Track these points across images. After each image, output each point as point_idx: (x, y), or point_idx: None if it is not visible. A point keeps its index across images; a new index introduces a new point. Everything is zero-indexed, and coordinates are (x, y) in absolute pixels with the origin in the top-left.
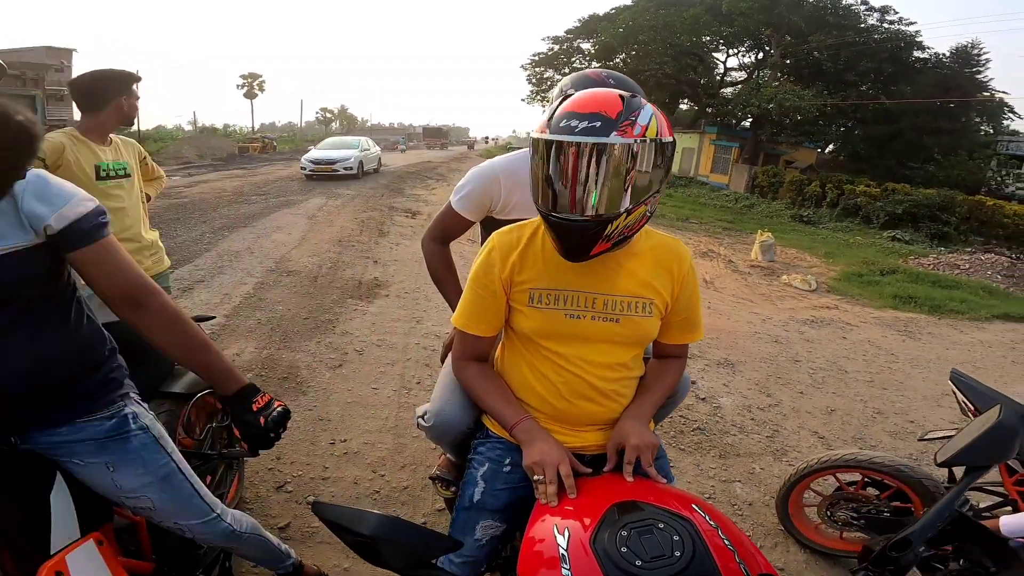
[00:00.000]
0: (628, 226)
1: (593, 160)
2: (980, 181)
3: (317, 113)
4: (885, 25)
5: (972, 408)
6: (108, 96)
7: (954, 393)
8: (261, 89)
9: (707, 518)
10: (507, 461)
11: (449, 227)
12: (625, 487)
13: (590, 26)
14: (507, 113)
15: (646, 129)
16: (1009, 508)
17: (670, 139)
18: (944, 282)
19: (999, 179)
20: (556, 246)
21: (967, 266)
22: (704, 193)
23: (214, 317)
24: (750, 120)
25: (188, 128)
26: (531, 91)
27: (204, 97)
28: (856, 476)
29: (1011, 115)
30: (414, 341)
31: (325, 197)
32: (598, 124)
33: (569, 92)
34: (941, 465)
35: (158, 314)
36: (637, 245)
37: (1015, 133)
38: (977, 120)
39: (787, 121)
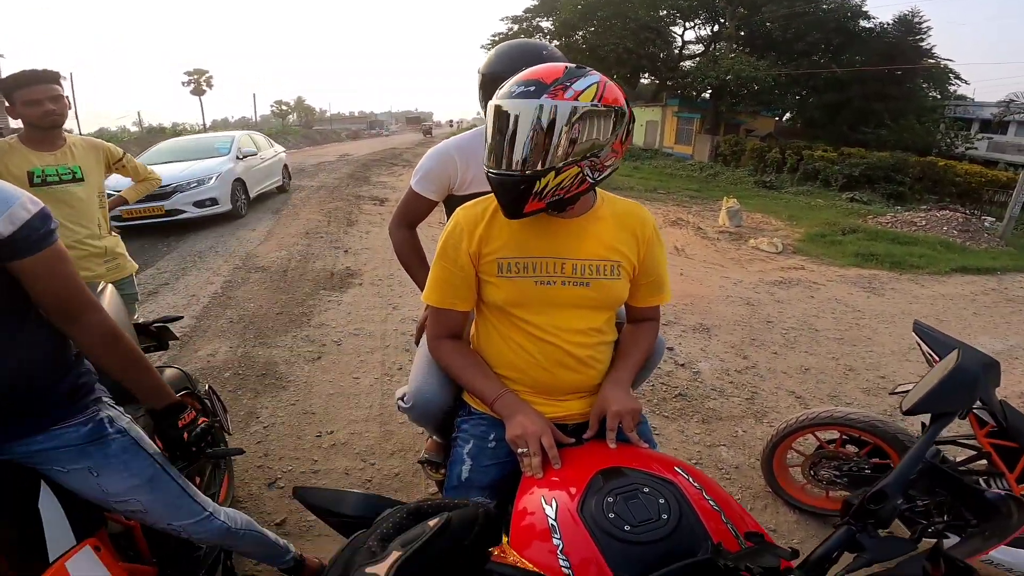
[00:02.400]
0: (561, 186)
1: (521, 118)
2: (930, 144)
3: (272, 106)
4: None
5: (935, 358)
6: (13, 99)
7: (919, 345)
8: (209, 85)
9: (691, 480)
10: (491, 437)
11: (413, 210)
12: (608, 454)
13: (549, 3)
14: (471, 95)
15: (579, 95)
16: (984, 461)
17: (613, 107)
18: (902, 239)
19: (948, 141)
20: (498, 203)
21: (923, 223)
22: (670, 164)
23: (181, 317)
24: (709, 92)
25: (134, 129)
26: None
27: (147, 96)
28: (835, 434)
29: (956, 80)
30: (392, 328)
31: (288, 191)
32: (532, 88)
33: (511, 68)
34: (906, 414)
35: (93, 329)
36: (600, 211)
37: (961, 98)
38: (924, 86)
39: (744, 91)
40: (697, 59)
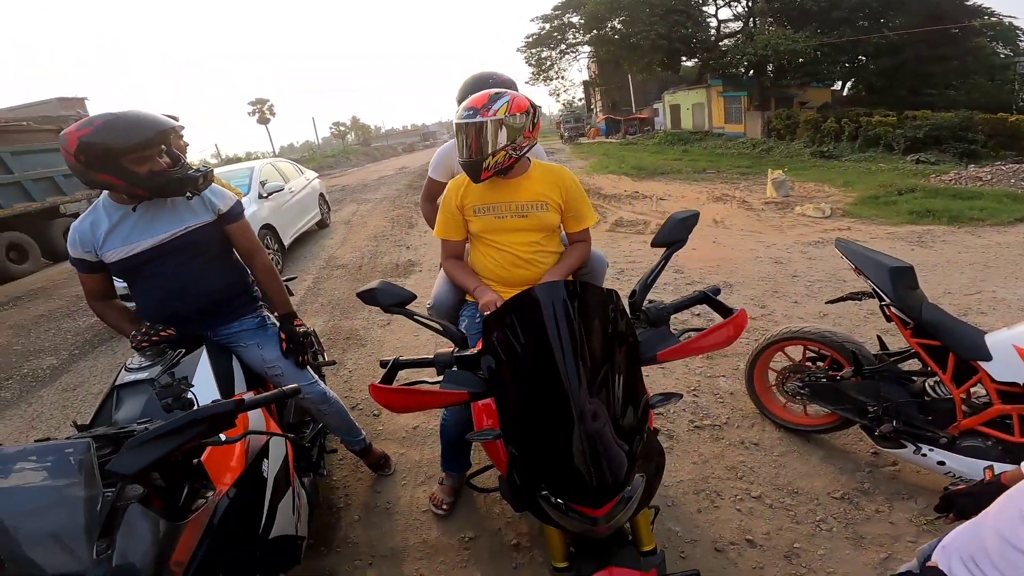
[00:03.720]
0: (497, 163)
1: (470, 131)
2: (1008, 102)
3: (331, 128)
4: None
5: (855, 267)
6: None
7: (844, 258)
8: (272, 113)
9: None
10: (479, 315)
11: (432, 189)
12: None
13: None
14: None
15: (497, 112)
16: (915, 360)
17: (518, 114)
18: (965, 194)
19: None
20: (466, 174)
21: (989, 177)
22: (720, 144)
23: (295, 277)
24: (751, 69)
25: (213, 161)
26: (532, 73)
27: (220, 127)
28: (801, 350)
29: None
30: None
31: (356, 204)
32: (472, 112)
33: (469, 93)
34: (653, 246)
35: (262, 261)
36: (533, 172)
37: None
38: (992, 44)
39: (787, 65)
40: (737, 37)
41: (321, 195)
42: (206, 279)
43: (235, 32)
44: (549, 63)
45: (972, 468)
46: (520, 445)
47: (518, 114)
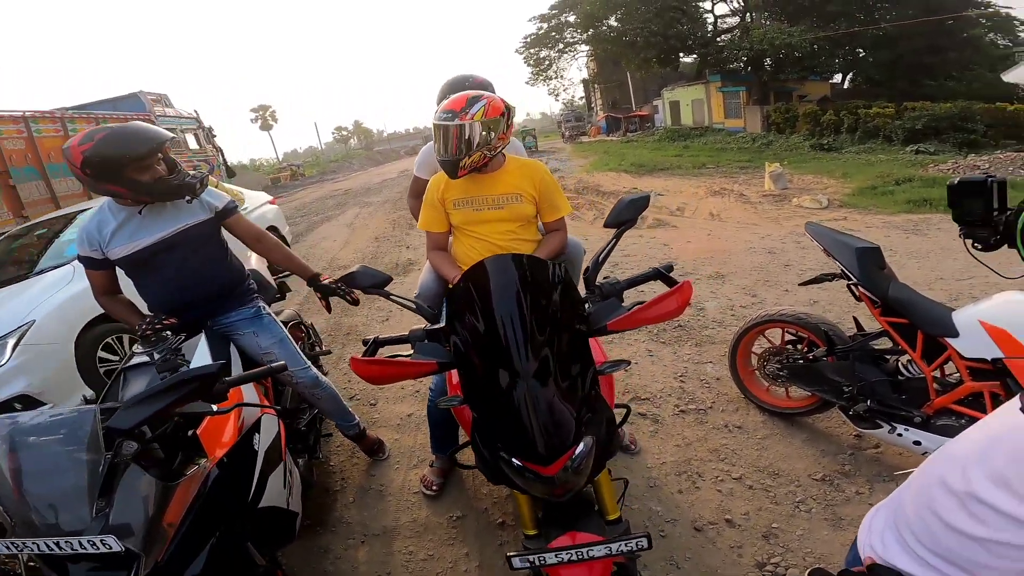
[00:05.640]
0: (473, 162)
1: (448, 132)
2: (1009, 92)
3: (333, 133)
4: None
5: (824, 249)
6: None
7: (813, 241)
8: (274, 119)
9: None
10: None
11: (418, 186)
12: None
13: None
14: (514, 100)
15: (474, 116)
16: (886, 339)
17: (492, 118)
18: None
19: None
20: (444, 171)
21: (988, 167)
22: (720, 139)
23: (288, 274)
24: (748, 63)
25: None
26: (531, 73)
27: (222, 134)
28: (779, 333)
29: None
30: None
31: (359, 207)
32: (450, 115)
33: (448, 95)
34: (605, 226)
35: (268, 243)
36: (509, 166)
37: None
38: (989, 35)
39: (784, 59)
40: (734, 32)
41: (274, 226)
42: (206, 272)
43: (236, 37)
44: (548, 62)
45: None
46: (479, 408)
47: (494, 117)
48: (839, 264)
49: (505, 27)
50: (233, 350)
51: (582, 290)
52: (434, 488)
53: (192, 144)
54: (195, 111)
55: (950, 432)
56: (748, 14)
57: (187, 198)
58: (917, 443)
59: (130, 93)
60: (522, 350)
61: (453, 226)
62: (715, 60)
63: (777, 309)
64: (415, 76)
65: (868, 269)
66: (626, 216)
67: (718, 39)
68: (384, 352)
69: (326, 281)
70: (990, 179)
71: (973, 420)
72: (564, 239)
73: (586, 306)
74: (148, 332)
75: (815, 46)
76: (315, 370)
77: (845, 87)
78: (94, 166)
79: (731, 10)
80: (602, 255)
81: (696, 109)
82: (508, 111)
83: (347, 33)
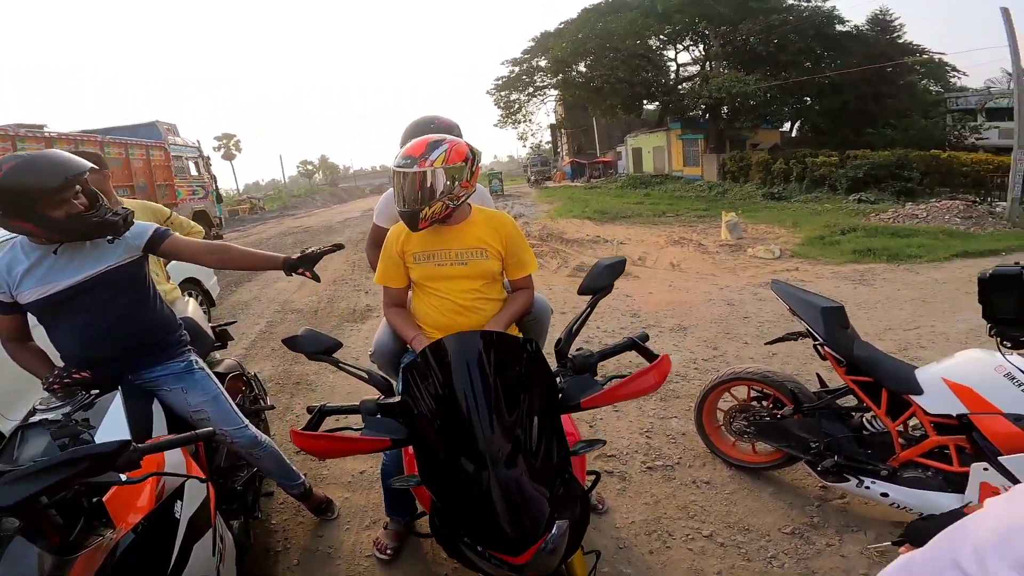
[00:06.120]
0: (435, 213)
1: (407, 180)
2: (941, 138)
3: (298, 166)
4: (803, 3)
5: (790, 308)
6: None
7: (778, 300)
8: (238, 149)
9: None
10: None
11: (376, 236)
12: None
13: (543, 43)
14: (483, 142)
15: (434, 162)
16: (851, 396)
17: (455, 164)
18: (903, 232)
19: (957, 133)
20: (404, 223)
21: (925, 215)
22: (679, 187)
23: (235, 321)
24: (707, 111)
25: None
26: (501, 115)
27: None
28: (745, 390)
29: (955, 73)
30: None
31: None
32: (409, 161)
33: (411, 138)
34: (580, 293)
35: (218, 251)
36: (474, 218)
37: (963, 89)
38: (924, 82)
39: (740, 107)
40: (694, 80)
41: (194, 278)
42: (128, 320)
43: (205, 62)
44: (518, 106)
45: (915, 498)
46: (439, 492)
47: (456, 163)
48: (804, 323)
49: (478, 68)
50: (157, 407)
51: (552, 359)
52: (388, 552)
53: (192, 171)
54: (197, 141)
55: (917, 484)
56: (708, 63)
57: (108, 238)
58: (885, 495)
59: (148, 122)
60: (488, 431)
61: (413, 281)
62: (676, 107)
63: (743, 367)
64: (385, 113)
65: (832, 329)
66: (602, 282)
67: (679, 87)
68: (330, 422)
69: (297, 257)
70: None
71: (939, 471)
72: (531, 298)
73: (558, 380)
74: (57, 386)
75: (768, 94)
76: (253, 430)
77: (793, 135)
78: (1, 198)
79: (692, 59)
80: (575, 326)
81: (657, 156)
82: (473, 156)
83: (319, 66)
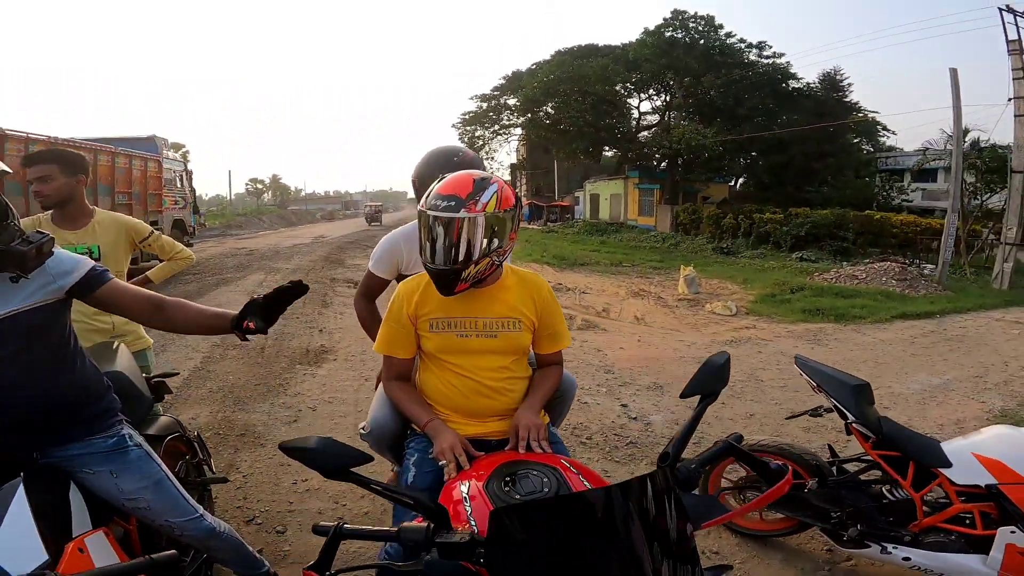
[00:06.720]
0: (480, 271)
1: (449, 228)
2: (870, 197)
3: (247, 184)
4: (763, 60)
5: (813, 384)
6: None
7: (801, 375)
8: (187, 159)
9: (571, 468)
10: (431, 449)
11: (371, 286)
12: (513, 455)
13: (514, 82)
14: None
15: (486, 206)
16: (879, 472)
17: (508, 208)
18: (846, 292)
19: (885, 193)
20: (434, 284)
21: (864, 276)
22: (634, 237)
23: (177, 372)
24: (665, 162)
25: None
26: None
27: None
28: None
29: (885, 132)
30: (364, 396)
31: (264, 272)
32: (453, 203)
33: (437, 172)
34: (681, 396)
35: (167, 307)
36: (506, 280)
37: (891, 149)
38: (856, 140)
39: (696, 159)
40: (654, 129)
41: None
42: (36, 381)
43: (161, 68)
44: (482, 143)
45: (938, 560)
46: None
47: (508, 209)
48: (832, 400)
49: (443, 102)
50: (76, 494)
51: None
52: None
53: (177, 184)
54: (182, 156)
55: (941, 547)
56: (668, 112)
57: (12, 275)
58: (907, 559)
59: (148, 136)
60: None
61: (423, 352)
62: (636, 155)
63: (756, 439)
64: (343, 139)
65: (862, 406)
66: (713, 386)
67: (640, 135)
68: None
69: (246, 304)
70: None
71: (962, 535)
72: (560, 375)
73: None
74: None
75: (722, 148)
76: (210, 519)
77: (738, 190)
78: None
79: (653, 108)
80: (684, 435)
81: (614, 204)
82: (518, 203)
83: (278, 85)
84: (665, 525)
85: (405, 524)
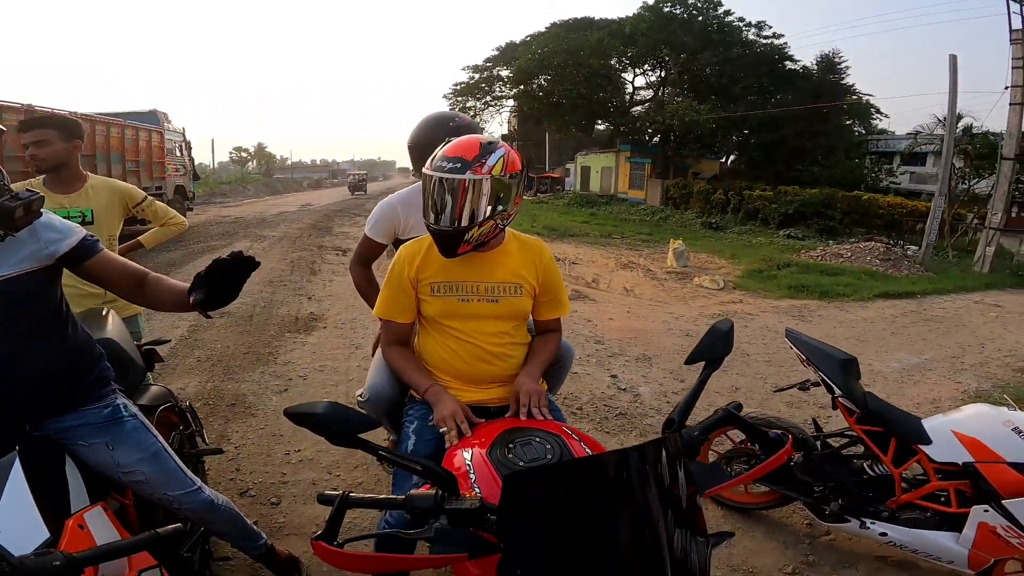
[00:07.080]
0: (483, 233)
1: (453, 189)
2: (859, 178)
3: (231, 152)
4: (762, 40)
5: (804, 357)
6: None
7: (792, 348)
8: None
9: (573, 435)
10: (430, 417)
11: (367, 252)
12: (515, 422)
13: (508, 54)
14: None
15: (492, 168)
16: (861, 447)
17: (514, 173)
18: (831, 270)
19: (874, 175)
20: (437, 246)
21: (849, 254)
22: (624, 209)
23: (169, 340)
24: (658, 137)
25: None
26: None
27: None
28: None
29: (878, 115)
30: (355, 364)
31: (250, 240)
32: (459, 165)
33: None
34: (686, 363)
35: (149, 282)
36: (509, 245)
37: (883, 132)
38: (848, 122)
39: (688, 135)
40: (647, 104)
41: None
42: (27, 352)
43: (141, 30)
44: (472, 113)
45: (912, 536)
46: None
47: (515, 173)
48: (820, 374)
49: (435, 72)
50: (71, 467)
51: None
52: None
53: (178, 153)
54: (183, 127)
55: (916, 524)
56: (663, 88)
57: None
58: (883, 534)
59: (149, 110)
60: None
61: (423, 316)
62: (628, 130)
63: (744, 412)
64: (330, 109)
65: (849, 381)
66: (718, 352)
67: (632, 110)
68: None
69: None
70: None
71: (937, 512)
72: (559, 342)
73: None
74: None
75: (715, 125)
76: (207, 492)
77: (729, 166)
78: None
79: (647, 83)
80: (689, 401)
81: (605, 176)
82: (523, 170)
83: (263, 50)
84: (677, 491)
85: (413, 492)
